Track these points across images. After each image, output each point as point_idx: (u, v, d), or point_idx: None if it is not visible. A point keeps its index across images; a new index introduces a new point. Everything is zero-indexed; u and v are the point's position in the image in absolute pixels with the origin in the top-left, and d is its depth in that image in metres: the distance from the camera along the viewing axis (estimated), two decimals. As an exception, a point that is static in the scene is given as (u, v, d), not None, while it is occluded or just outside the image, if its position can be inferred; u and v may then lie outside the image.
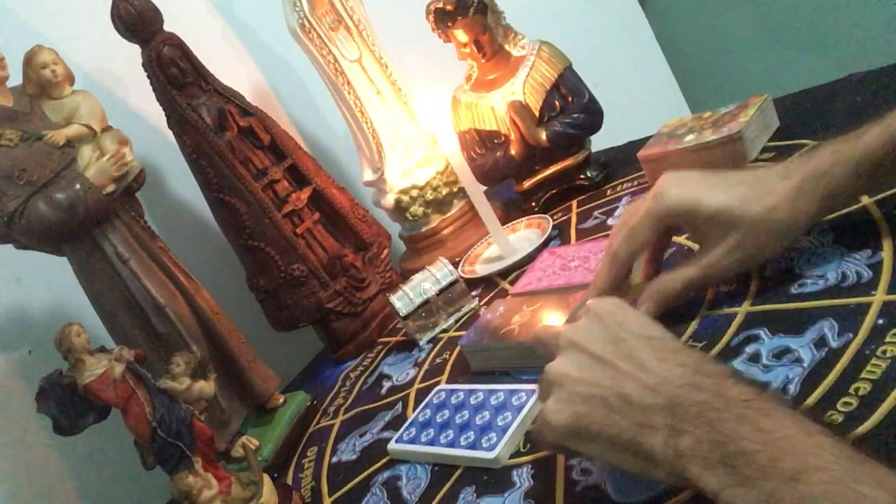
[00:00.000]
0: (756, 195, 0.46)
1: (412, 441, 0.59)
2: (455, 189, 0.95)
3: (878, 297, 0.43)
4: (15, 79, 0.70)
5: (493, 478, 0.51)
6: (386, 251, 0.94)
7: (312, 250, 0.87)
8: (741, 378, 0.34)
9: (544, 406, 0.40)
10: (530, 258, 0.78)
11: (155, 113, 0.85)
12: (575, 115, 0.85)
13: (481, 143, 0.91)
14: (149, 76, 0.81)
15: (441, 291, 0.77)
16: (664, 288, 0.51)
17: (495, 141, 0.90)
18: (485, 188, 0.89)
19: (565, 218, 0.85)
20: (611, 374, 0.37)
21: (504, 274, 0.81)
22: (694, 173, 0.50)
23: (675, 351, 0.37)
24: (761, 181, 0.47)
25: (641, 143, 0.80)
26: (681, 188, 0.49)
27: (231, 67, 1.08)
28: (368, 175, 0.96)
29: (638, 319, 0.40)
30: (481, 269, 0.83)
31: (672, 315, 0.54)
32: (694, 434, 0.33)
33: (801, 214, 0.45)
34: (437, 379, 0.69)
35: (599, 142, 0.91)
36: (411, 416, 0.63)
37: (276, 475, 0.72)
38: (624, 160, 0.87)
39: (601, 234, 0.75)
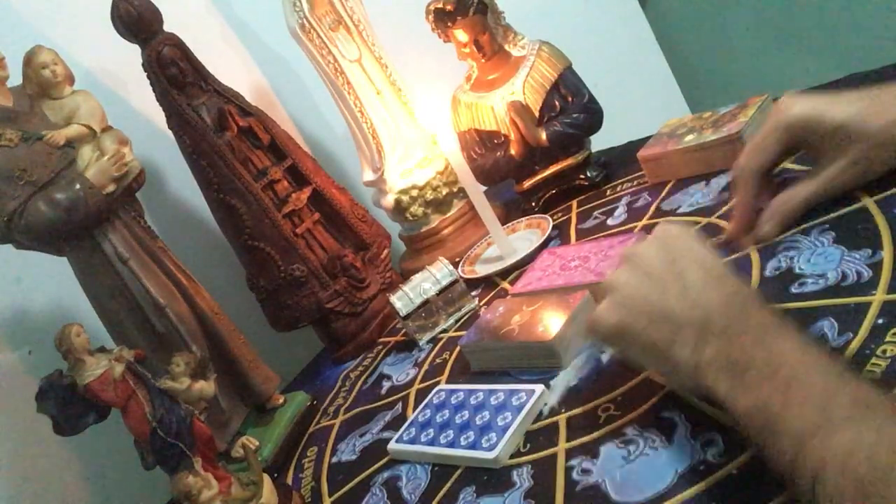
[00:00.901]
0: (876, 110, 0.48)
1: (412, 441, 0.59)
2: (455, 189, 0.95)
3: (878, 296, 0.43)
4: (15, 79, 0.70)
5: (493, 478, 0.51)
6: (386, 251, 0.94)
7: (312, 250, 0.87)
8: (766, 306, 0.39)
9: (598, 307, 0.46)
10: (530, 258, 0.78)
11: (155, 113, 0.85)
12: (575, 115, 0.85)
13: (481, 143, 0.91)
14: (149, 76, 0.81)
15: (441, 291, 0.77)
16: (786, 205, 0.53)
17: (495, 141, 0.90)
18: (485, 188, 0.89)
19: (565, 218, 0.85)
20: (658, 291, 0.42)
21: (504, 274, 0.81)
22: (813, 93, 0.52)
23: (719, 277, 0.41)
24: (881, 97, 0.48)
25: (641, 143, 0.80)
26: (804, 103, 0.51)
27: (231, 67, 1.08)
28: (368, 175, 0.96)
29: (695, 245, 0.43)
30: (481, 269, 0.83)
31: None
32: (714, 348, 0.38)
33: None
34: (437, 379, 0.69)
35: (599, 142, 0.91)
36: (411, 416, 0.63)
37: (276, 475, 0.72)
38: (624, 160, 0.87)
39: (601, 234, 0.75)
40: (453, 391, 0.62)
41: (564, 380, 0.56)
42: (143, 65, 0.81)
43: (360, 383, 0.81)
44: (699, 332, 0.39)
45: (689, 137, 0.73)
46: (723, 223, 0.62)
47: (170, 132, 0.84)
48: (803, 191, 0.53)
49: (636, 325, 0.42)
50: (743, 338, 0.37)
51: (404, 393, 0.71)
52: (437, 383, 0.68)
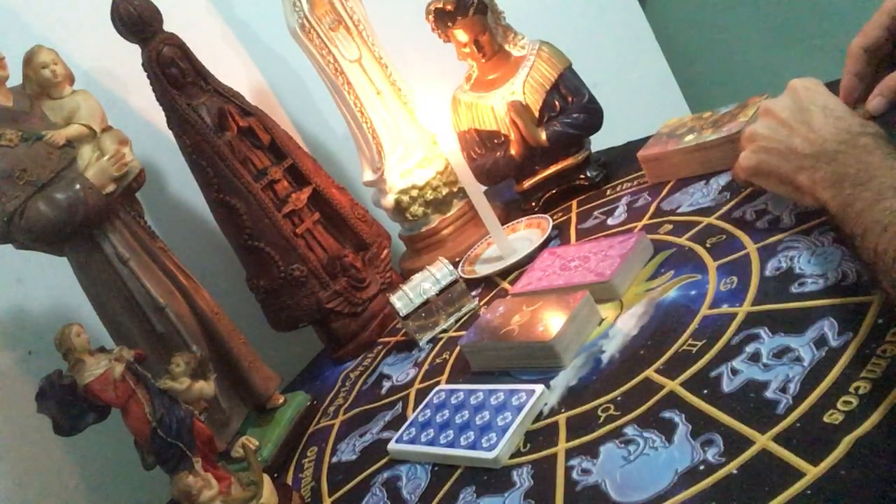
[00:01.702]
0: None
1: (412, 441, 0.59)
2: (455, 189, 0.95)
3: (878, 296, 0.43)
4: (15, 79, 0.70)
5: (493, 478, 0.51)
6: (386, 251, 0.94)
7: (312, 250, 0.87)
8: (872, 134, 0.46)
9: (742, 154, 0.56)
10: (530, 258, 0.78)
11: (155, 113, 0.85)
12: (575, 115, 0.85)
13: (481, 143, 0.91)
14: (149, 76, 0.81)
15: (441, 291, 0.77)
16: (860, 43, 0.54)
17: (495, 141, 0.90)
18: (485, 188, 0.89)
19: (565, 218, 0.85)
20: (786, 133, 0.51)
21: (504, 274, 0.81)
22: None
23: (839, 118, 0.49)
24: None
25: (641, 143, 0.80)
26: None
27: (231, 67, 1.09)
28: (368, 175, 0.96)
29: (824, 95, 0.51)
30: (481, 269, 0.83)
31: (672, 316, 0.54)
32: (826, 169, 0.47)
33: None
34: (437, 379, 0.69)
35: (599, 142, 0.91)
36: (411, 416, 0.63)
37: (276, 475, 0.72)
38: (624, 160, 0.87)
39: (601, 233, 0.75)
40: (453, 391, 0.62)
41: (564, 380, 0.56)
42: (143, 65, 0.81)
43: (360, 383, 0.81)
44: (815, 161, 0.48)
45: (689, 137, 0.73)
46: (722, 223, 0.62)
47: (170, 132, 0.84)
48: (866, 25, 0.53)
49: (769, 162, 0.53)
50: (848, 159, 0.45)
51: (404, 393, 0.71)
52: (437, 383, 0.68)
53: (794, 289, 0.49)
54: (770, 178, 0.54)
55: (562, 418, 0.52)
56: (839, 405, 0.38)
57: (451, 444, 0.55)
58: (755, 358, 0.45)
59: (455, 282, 0.78)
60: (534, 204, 0.91)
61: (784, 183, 0.52)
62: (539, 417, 0.54)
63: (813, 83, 0.53)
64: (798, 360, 0.43)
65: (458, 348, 0.71)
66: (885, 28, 0.52)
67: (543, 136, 0.85)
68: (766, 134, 0.54)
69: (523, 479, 0.49)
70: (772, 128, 0.53)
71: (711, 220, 0.64)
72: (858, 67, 0.54)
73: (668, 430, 0.44)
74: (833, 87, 0.53)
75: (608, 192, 0.84)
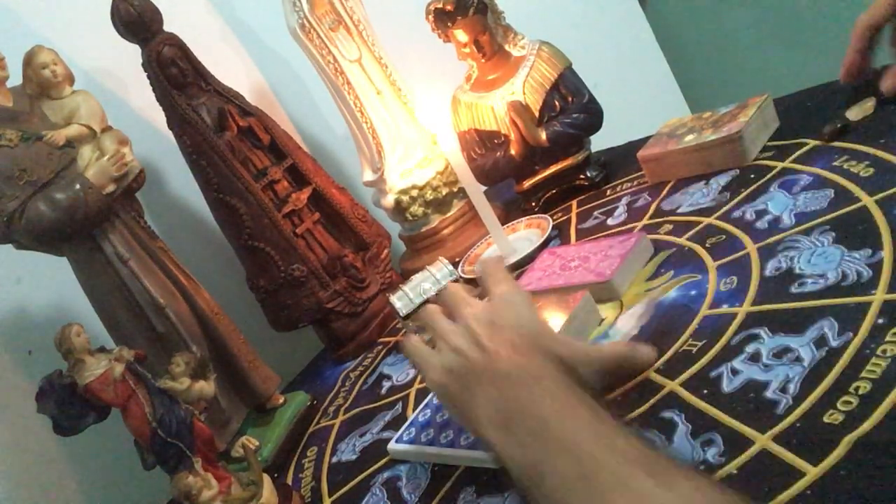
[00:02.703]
0: None
1: (412, 441, 0.59)
2: (455, 189, 0.95)
3: (878, 296, 0.43)
4: (15, 79, 0.70)
5: (493, 478, 0.51)
6: (386, 251, 0.94)
7: (312, 250, 0.87)
8: (552, 363, 0.40)
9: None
10: (530, 258, 0.78)
11: (155, 113, 0.85)
12: (575, 115, 0.85)
13: (481, 143, 0.91)
14: (149, 76, 0.81)
15: (441, 291, 0.77)
16: (867, 19, 0.55)
17: (495, 141, 0.90)
18: (485, 188, 0.88)
19: (565, 218, 0.85)
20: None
21: (504, 274, 0.81)
22: None
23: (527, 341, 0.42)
24: None
25: (641, 143, 0.80)
26: None
27: (231, 67, 1.09)
28: (368, 175, 0.96)
29: (521, 312, 0.46)
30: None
31: (672, 316, 0.54)
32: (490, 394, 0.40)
33: None
34: (437, 379, 0.69)
35: (599, 142, 0.91)
36: (411, 416, 0.63)
37: (276, 475, 0.72)
38: (624, 160, 0.87)
39: (601, 234, 0.75)
40: (453, 391, 0.62)
41: (564, 380, 0.56)
42: (143, 65, 0.81)
43: (360, 383, 0.81)
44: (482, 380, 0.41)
45: (689, 137, 0.73)
46: (722, 223, 0.62)
47: (170, 132, 0.84)
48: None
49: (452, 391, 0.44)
50: (520, 390, 0.38)
51: (404, 393, 0.71)
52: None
53: (794, 289, 0.48)
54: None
55: (562, 418, 0.52)
56: (839, 405, 0.38)
57: (451, 444, 0.55)
58: (755, 358, 0.45)
59: (455, 282, 0.78)
60: (534, 204, 0.91)
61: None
62: (539, 417, 0.54)
63: (515, 296, 0.48)
64: (798, 360, 0.43)
65: (458, 348, 0.71)
66: (889, 5, 0.52)
67: (543, 136, 0.85)
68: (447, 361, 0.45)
69: (523, 479, 0.49)
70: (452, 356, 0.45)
71: (711, 220, 0.64)
72: (862, 44, 0.54)
73: (667, 429, 0.44)
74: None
75: (608, 192, 0.84)
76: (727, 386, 0.44)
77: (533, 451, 0.34)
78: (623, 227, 0.73)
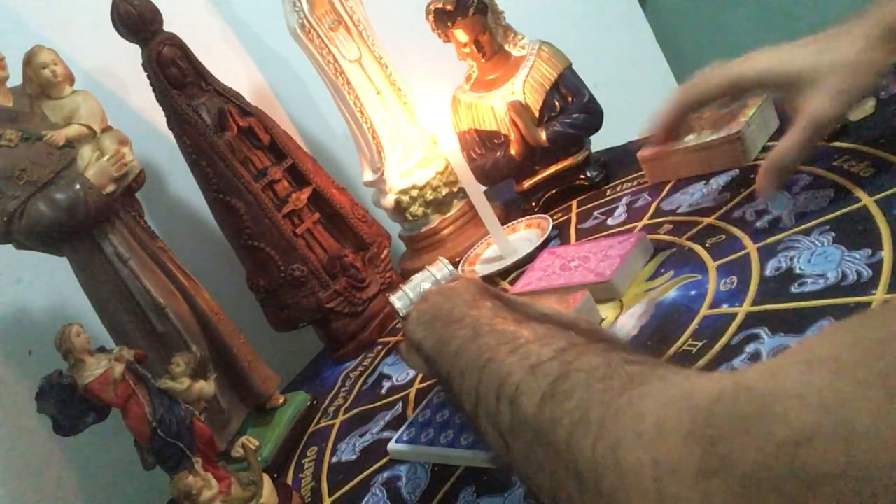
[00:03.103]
0: (834, 44, 0.52)
1: (412, 441, 0.59)
2: (455, 189, 0.95)
3: (878, 296, 0.43)
4: (15, 79, 0.70)
5: (493, 478, 0.51)
6: (386, 251, 0.94)
7: (312, 250, 0.87)
8: (490, 300, 0.44)
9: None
10: (530, 258, 0.78)
11: (155, 113, 0.85)
12: (575, 115, 0.85)
13: (481, 143, 0.91)
14: (149, 76, 0.81)
15: (441, 291, 0.77)
16: (779, 161, 0.52)
17: (495, 141, 0.90)
18: (485, 188, 0.88)
19: (565, 218, 0.85)
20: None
21: (504, 274, 0.81)
22: (767, 49, 0.54)
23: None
24: (834, 34, 0.52)
25: (641, 143, 0.80)
26: (765, 58, 0.53)
27: (231, 67, 1.09)
28: (368, 175, 0.96)
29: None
30: (481, 269, 0.83)
31: (672, 316, 0.54)
32: (420, 307, 0.48)
33: (880, 51, 0.49)
34: (437, 379, 0.69)
35: (599, 142, 0.91)
36: (411, 416, 0.63)
37: (276, 475, 0.72)
38: (624, 160, 0.87)
39: (601, 234, 0.75)
40: (453, 391, 0.62)
41: (564, 380, 0.56)
42: (143, 65, 0.81)
43: (360, 383, 0.81)
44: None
45: (689, 137, 0.73)
46: (722, 223, 0.62)
47: (170, 132, 0.84)
48: (793, 140, 0.51)
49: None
50: (436, 297, 0.47)
51: (404, 393, 0.71)
52: (437, 383, 0.68)
53: (794, 289, 0.48)
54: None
55: (562, 418, 0.52)
56: (839, 405, 0.38)
57: (451, 444, 0.55)
58: (755, 358, 0.45)
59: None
60: (534, 204, 0.91)
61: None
62: (539, 417, 0.54)
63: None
64: (798, 360, 0.43)
65: (458, 348, 0.71)
66: (718, 88, 0.55)
67: (543, 135, 0.85)
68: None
69: (523, 479, 0.49)
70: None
71: (711, 220, 0.64)
72: (673, 115, 0.55)
73: (668, 430, 0.44)
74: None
75: (608, 192, 0.84)
76: (727, 386, 0.44)
77: (442, 332, 0.42)
78: (623, 227, 0.73)
